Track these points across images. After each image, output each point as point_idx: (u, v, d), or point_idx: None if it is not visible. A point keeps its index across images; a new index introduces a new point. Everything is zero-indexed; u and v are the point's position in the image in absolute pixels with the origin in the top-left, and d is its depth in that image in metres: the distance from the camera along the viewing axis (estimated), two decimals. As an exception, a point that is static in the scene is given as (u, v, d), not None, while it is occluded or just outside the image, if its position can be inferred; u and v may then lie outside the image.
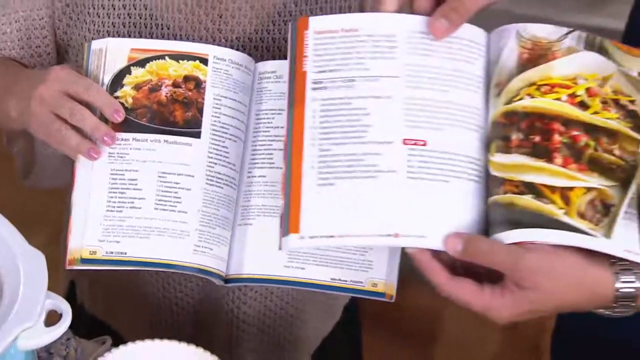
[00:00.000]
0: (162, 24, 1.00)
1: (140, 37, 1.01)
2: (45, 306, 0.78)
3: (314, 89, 0.85)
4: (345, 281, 0.89)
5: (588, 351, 1.12)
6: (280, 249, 0.82)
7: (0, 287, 0.80)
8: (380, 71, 0.83)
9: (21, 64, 1.05)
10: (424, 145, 0.81)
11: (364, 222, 0.80)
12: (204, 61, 0.92)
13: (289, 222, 0.81)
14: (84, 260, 0.88)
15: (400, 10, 0.85)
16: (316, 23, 0.86)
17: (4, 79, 1.00)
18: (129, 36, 1.01)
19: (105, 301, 1.20)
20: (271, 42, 1.01)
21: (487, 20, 0.88)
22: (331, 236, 0.80)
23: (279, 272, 0.89)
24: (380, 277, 0.89)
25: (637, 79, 0.82)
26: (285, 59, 0.90)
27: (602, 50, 0.83)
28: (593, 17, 1.76)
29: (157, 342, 0.89)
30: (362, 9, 1.02)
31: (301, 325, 1.17)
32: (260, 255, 0.90)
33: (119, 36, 1.01)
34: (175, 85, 0.92)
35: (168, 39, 1.01)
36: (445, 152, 0.81)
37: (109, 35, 1.01)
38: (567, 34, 0.83)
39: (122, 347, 0.88)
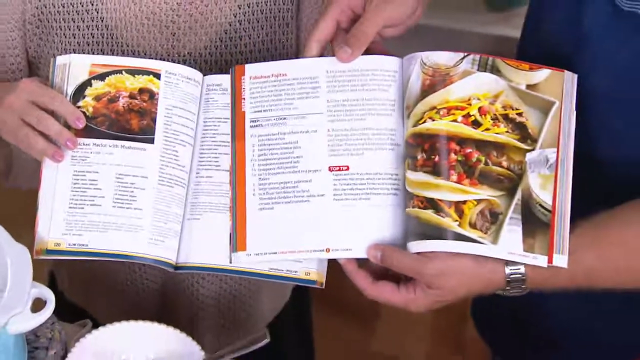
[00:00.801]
0: (121, 42, 1.11)
1: (103, 53, 1.11)
2: (31, 294, 0.85)
3: (252, 126, 0.99)
4: (282, 270, 0.98)
5: (499, 315, 1.25)
6: (230, 262, 0.96)
7: None
8: (307, 109, 0.97)
9: None
10: (347, 169, 0.95)
11: (300, 240, 0.95)
12: (157, 75, 1.00)
13: (237, 241, 0.96)
14: (49, 251, 0.96)
15: (322, 54, 0.98)
16: (251, 70, 0.99)
17: None
18: (93, 53, 1.10)
19: (82, 289, 1.30)
20: (219, 57, 1.12)
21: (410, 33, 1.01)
22: (274, 252, 0.96)
23: (224, 262, 0.98)
24: (312, 267, 0.98)
25: (525, 91, 0.93)
26: (226, 72, 1.02)
27: (494, 69, 0.93)
28: (498, 28, 1.97)
29: (131, 323, 1.01)
30: (298, 30, 1.13)
31: (254, 304, 1.29)
32: (207, 246, 0.99)
33: (84, 53, 1.10)
34: (131, 96, 1.00)
35: (127, 55, 1.11)
36: (366, 173, 0.95)
37: (74, 52, 1.10)
38: (463, 58, 0.94)
39: (101, 329, 0.99)
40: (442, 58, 0.94)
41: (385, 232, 0.94)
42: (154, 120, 1.00)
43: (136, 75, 1.01)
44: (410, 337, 2.30)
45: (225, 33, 1.12)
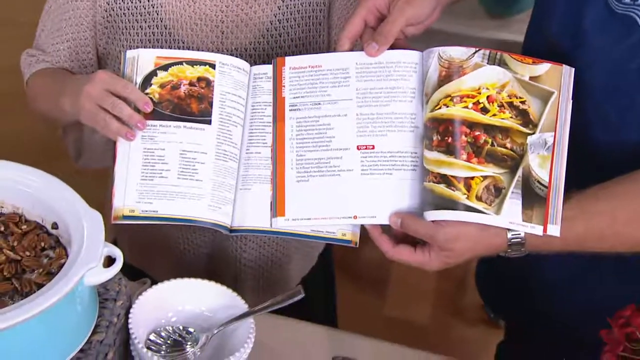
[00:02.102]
0: (177, 39, 1.13)
1: (154, 49, 1.12)
2: (103, 252, 0.87)
3: (291, 110, 1.01)
4: (322, 232, 1.00)
5: (501, 281, 1.26)
6: (271, 226, 0.99)
7: (70, 239, 0.91)
8: (339, 96, 0.99)
9: (70, 72, 1.19)
10: (373, 148, 0.97)
11: (332, 208, 0.97)
12: (213, 66, 1.02)
13: (276, 208, 0.99)
14: (126, 217, 1.00)
15: (352, 48, 1.00)
16: (291, 61, 1.02)
17: (59, 84, 1.12)
18: (153, 48, 1.12)
19: (140, 253, 1.32)
20: (261, 51, 1.15)
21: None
22: (308, 219, 0.98)
23: (276, 226, 0.99)
24: (347, 229, 1.00)
25: (528, 82, 0.94)
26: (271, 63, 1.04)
27: (501, 63, 0.95)
28: (499, 33, 1.97)
29: (185, 279, 1.04)
30: (329, 28, 1.16)
31: (287, 267, 1.32)
32: (258, 212, 1.01)
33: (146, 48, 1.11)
34: (191, 84, 1.02)
35: (183, 50, 1.13)
36: (389, 152, 0.97)
37: (135, 49, 1.11)
38: (475, 53, 0.95)
39: (159, 284, 1.02)
40: (457, 52, 0.95)
41: (405, 202, 0.96)
42: (210, 104, 1.02)
43: (195, 66, 1.02)
44: (415, 302, 2.33)
45: (267, 31, 1.13)
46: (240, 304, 1.03)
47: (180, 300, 1.04)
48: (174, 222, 1.00)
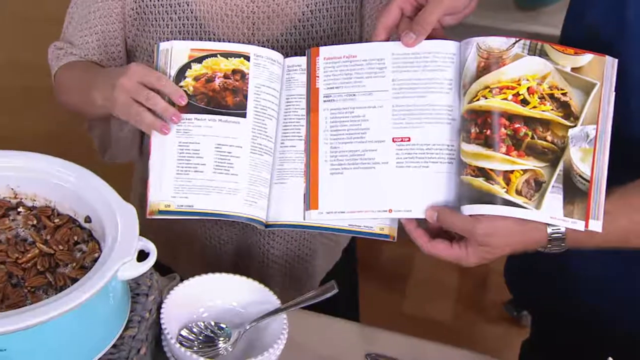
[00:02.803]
0: (208, 31, 1.12)
1: (188, 41, 1.10)
2: (137, 246, 0.86)
3: (325, 101, 1.00)
4: (359, 226, 0.99)
5: (534, 276, 1.24)
6: (304, 219, 0.98)
7: (103, 233, 0.90)
8: (374, 87, 0.98)
9: (99, 65, 1.18)
10: (409, 140, 0.96)
11: (366, 202, 0.96)
12: (247, 58, 1.01)
13: (310, 200, 0.98)
14: (161, 212, 0.98)
15: (388, 38, 0.99)
16: (325, 51, 1.00)
17: (89, 77, 1.12)
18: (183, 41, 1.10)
19: (165, 248, 1.26)
20: (293, 43, 1.13)
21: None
22: (342, 212, 0.97)
23: (311, 221, 0.99)
24: (385, 223, 0.99)
25: (569, 73, 0.92)
26: (304, 55, 1.03)
27: (542, 54, 0.93)
28: (528, 25, 1.94)
29: (216, 274, 1.03)
30: (362, 18, 1.14)
31: (312, 262, 1.31)
32: (294, 206, 1.00)
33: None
34: (225, 76, 1.01)
35: (214, 42, 1.11)
36: (425, 144, 0.95)
37: (167, 41, 1.09)
38: (515, 43, 0.93)
39: (190, 279, 1.01)
40: (496, 43, 0.94)
41: (441, 196, 0.95)
42: (245, 97, 1.01)
43: (229, 58, 1.01)
44: (436, 300, 2.32)
45: (299, 22, 1.12)
46: (272, 300, 1.03)
47: (211, 296, 1.03)
48: (209, 216, 1.00)
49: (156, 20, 1.13)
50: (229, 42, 1.12)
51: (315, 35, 1.13)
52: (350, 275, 1.49)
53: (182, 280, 1.03)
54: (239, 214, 0.99)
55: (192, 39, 1.12)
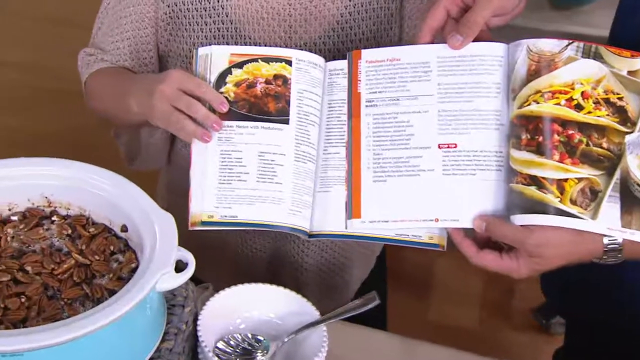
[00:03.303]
0: (244, 35, 1.10)
1: (227, 45, 1.09)
2: (176, 257, 0.84)
3: (367, 106, 0.97)
4: (408, 235, 0.96)
5: (578, 288, 1.20)
6: (346, 228, 0.96)
7: (140, 242, 0.89)
8: (419, 91, 0.95)
9: (131, 71, 1.16)
10: (455, 147, 0.93)
11: (411, 210, 0.93)
12: (289, 62, 0.99)
13: (352, 209, 0.96)
14: (204, 223, 0.96)
15: (433, 41, 0.96)
16: (367, 54, 0.98)
17: (123, 83, 1.10)
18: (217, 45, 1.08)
19: (197, 257, 1.29)
20: (332, 46, 1.10)
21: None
22: (386, 221, 0.94)
23: (357, 230, 0.96)
24: (434, 232, 0.96)
25: (626, 77, 0.89)
26: (344, 58, 1.01)
27: (596, 56, 0.90)
28: (564, 26, 1.89)
29: (252, 284, 1.01)
30: (402, 19, 1.11)
31: (348, 270, 1.29)
32: (339, 216, 0.98)
33: (210, 45, 1.07)
34: (267, 82, 0.99)
35: (250, 46, 1.09)
36: (472, 151, 0.93)
37: (202, 46, 1.07)
38: (567, 45, 0.90)
39: (226, 290, 0.99)
40: (548, 45, 0.91)
41: (489, 205, 0.92)
42: (288, 103, 0.99)
43: (270, 63, 0.99)
44: (461, 307, 2.29)
45: (337, 24, 1.10)
46: (311, 311, 1.00)
47: (248, 307, 1.01)
48: (253, 227, 0.98)
49: (190, 25, 1.11)
50: (265, 46, 1.10)
51: (353, 37, 1.11)
52: (380, 284, 1.44)
53: (215, 289, 1.01)
54: (283, 224, 0.98)
55: (227, 44, 1.10)
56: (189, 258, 0.87)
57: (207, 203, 0.97)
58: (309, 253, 1.23)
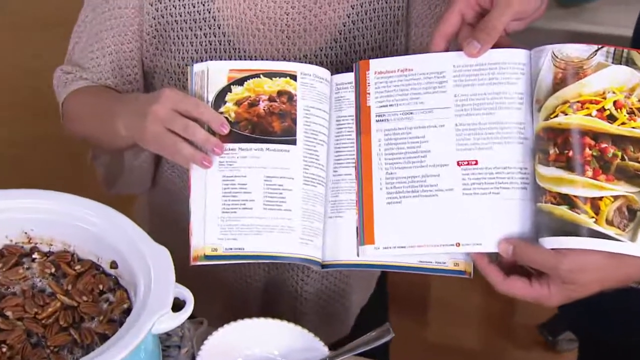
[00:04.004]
0: (238, 48, 1.04)
1: (220, 59, 1.04)
2: (173, 295, 0.80)
3: (378, 121, 0.92)
4: (431, 262, 0.91)
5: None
6: (358, 256, 0.90)
7: (132, 280, 0.84)
8: (434, 104, 0.90)
9: (114, 90, 1.09)
10: (476, 164, 0.88)
11: (429, 235, 0.88)
12: (293, 77, 0.94)
13: (364, 234, 0.90)
14: (208, 257, 0.91)
15: (447, 48, 0.91)
16: (376, 65, 0.92)
17: (107, 104, 1.04)
18: (210, 59, 1.03)
19: (188, 286, 1.25)
20: (334, 58, 1.05)
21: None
22: (402, 247, 0.89)
23: (375, 259, 0.91)
24: (460, 257, 0.91)
25: None
26: (349, 71, 0.96)
27: (629, 62, 0.84)
28: (569, 23, 1.85)
29: (254, 320, 0.96)
30: (408, 27, 1.06)
31: (349, 297, 1.24)
32: (353, 243, 0.92)
33: (201, 60, 1.04)
34: (271, 99, 0.94)
35: (245, 60, 1.04)
36: (495, 167, 0.87)
37: (192, 61, 1.03)
38: (597, 50, 0.85)
39: (225, 327, 0.94)
40: (575, 50, 0.86)
41: (515, 227, 0.86)
42: (294, 122, 0.94)
43: (273, 78, 0.94)
44: (461, 325, 2.24)
45: (340, 34, 1.05)
46: (319, 347, 0.95)
47: (249, 344, 0.97)
48: (262, 259, 0.92)
49: (178, 38, 1.05)
50: (262, 59, 1.05)
51: (357, 48, 1.06)
52: (379, 310, 1.40)
53: (209, 323, 0.97)
54: (294, 254, 0.92)
55: (220, 58, 1.05)
56: (187, 295, 0.82)
57: (209, 235, 0.91)
58: (309, 281, 1.18)
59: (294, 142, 0.93)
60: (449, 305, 2.26)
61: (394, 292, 2.20)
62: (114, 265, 0.88)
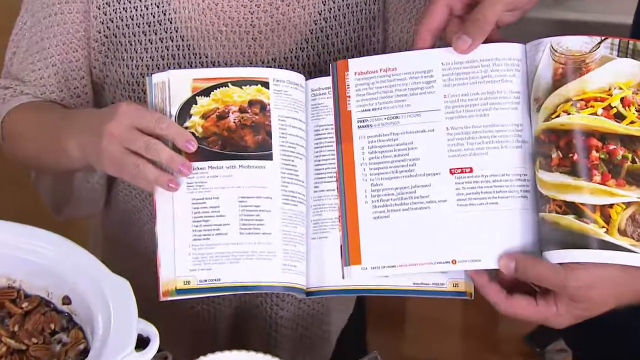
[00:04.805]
0: (200, 53, 0.99)
1: (180, 67, 0.99)
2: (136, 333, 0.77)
3: (360, 127, 0.87)
4: (428, 284, 0.88)
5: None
6: (342, 278, 0.85)
7: (89, 317, 0.80)
8: (421, 106, 0.85)
9: (61, 105, 1.04)
10: (470, 172, 0.83)
11: (422, 252, 0.83)
12: (265, 84, 0.90)
13: (349, 254, 0.85)
14: (180, 291, 0.86)
15: (433, 45, 0.86)
16: (356, 65, 0.88)
17: (54, 121, 0.99)
18: (168, 68, 0.99)
19: (148, 315, 1.23)
20: (306, 60, 1.00)
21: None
22: (392, 266, 0.84)
23: (364, 282, 0.88)
24: (459, 277, 0.87)
25: None
26: (322, 74, 0.91)
27: (635, 54, 0.81)
28: (555, 12, 1.82)
29: (233, 353, 0.89)
30: (385, 22, 1.02)
31: (327, 321, 1.19)
32: (340, 267, 0.89)
33: (158, 69, 0.99)
34: (241, 110, 0.89)
35: (207, 66, 1.00)
36: (492, 175, 0.83)
37: (148, 69, 0.99)
38: (600, 43, 0.81)
39: None
40: (576, 43, 0.81)
41: (516, 240, 0.82)
42: (269, 134, 0.88)
43: (243, 87, 0.89)
44: (441, 339, 2.20)
45: (311, 33, 1.00)
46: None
47: None
48: (240, 290, 0.88)
49: (130, 44, 0.99)
50: (225, 64, 0.99)
51: (331, 48, 1.01)
52: (362, 329, 1.39)
53: (174, 357, 0.89)
54: (276, 283, 0.87)
55: (179, 65, 0.99)
56: (151, 331, 0.77)
57: (180, 266, 0.86)
58: (284, 306, 1.13)
59: (269, 157, 0.88)
60: (429, 319, 2.20)
61: (370, 307, 2.18)
62: (66, 300, 0.82)
